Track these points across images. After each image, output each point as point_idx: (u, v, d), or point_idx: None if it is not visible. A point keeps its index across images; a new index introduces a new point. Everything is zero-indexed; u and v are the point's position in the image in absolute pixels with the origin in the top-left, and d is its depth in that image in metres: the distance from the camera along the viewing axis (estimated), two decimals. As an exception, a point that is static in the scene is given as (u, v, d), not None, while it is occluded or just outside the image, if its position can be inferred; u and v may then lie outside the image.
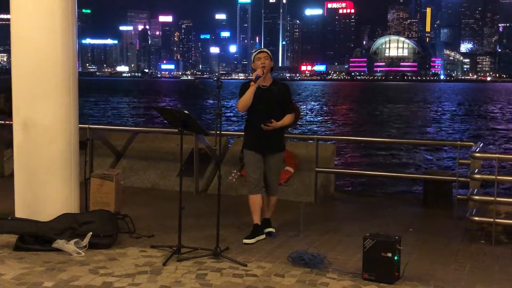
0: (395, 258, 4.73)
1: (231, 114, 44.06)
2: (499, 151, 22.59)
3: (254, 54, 6.03)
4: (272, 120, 5.81)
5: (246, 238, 5.88)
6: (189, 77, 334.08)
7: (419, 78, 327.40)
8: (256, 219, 6.01)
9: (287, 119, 5.97)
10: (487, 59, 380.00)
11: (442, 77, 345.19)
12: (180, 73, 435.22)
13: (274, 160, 6.05)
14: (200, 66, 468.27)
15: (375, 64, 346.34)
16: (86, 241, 5.47)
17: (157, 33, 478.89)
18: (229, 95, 75.14)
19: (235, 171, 6.31)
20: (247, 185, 6.16)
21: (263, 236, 6.01)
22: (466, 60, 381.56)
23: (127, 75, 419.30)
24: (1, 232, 5.61)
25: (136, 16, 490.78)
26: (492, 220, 6.07)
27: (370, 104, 64.78)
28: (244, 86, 5.98)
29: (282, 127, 6.00)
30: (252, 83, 5.83)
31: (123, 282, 4.62)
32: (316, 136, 8.22)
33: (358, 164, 20.07)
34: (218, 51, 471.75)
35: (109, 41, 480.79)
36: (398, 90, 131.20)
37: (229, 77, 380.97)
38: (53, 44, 5.77)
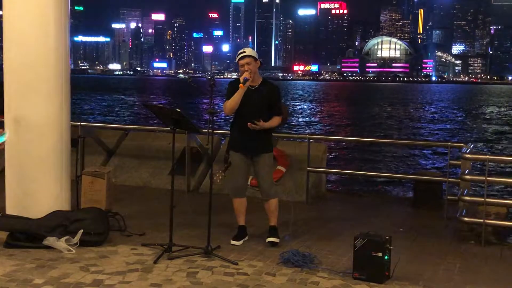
0: (386, 257, 4.75)
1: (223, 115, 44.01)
2: (490, 152, 22.71)
3: (237, 59, 5.80)
4: (260, 119, 5.63)
5: (233, 239, 5.86)
6: (185, 76, 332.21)
7: (410, 79, 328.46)
8: (241, 221, 5.98)
9: (275, 121, 5.78)
10: (478, 61, 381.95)
11: (433, 78, 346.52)
12: (173, 71, 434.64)
13: (262, 161, 5.82)
14: (193, 64, 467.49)
15: (367, 64, 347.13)
16: (77, 238, 5.46)
17: (150, 31, 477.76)
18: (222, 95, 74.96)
19: (220, 171, 6.23)
20: (230, 188, 6.00)
21: (246, 238, 5.97)
22: (458, 62, 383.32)
23: (119, 73, 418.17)
24: (-8, 229, 5.59)
25: (129, 14, 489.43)
26: (482, 220, 6.11)
27: (362, 105, 64.92)
28: (232, 85, 5.78)
29: (270, 129, 5.82)
30: (241, 85, 5.61)
31: (113, 280, 4.62)
32: (307, 135, 8.21)
33: (349, 164, 20.13)
34: (211, 50, 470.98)
35: (101, 39, 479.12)
36: (390, 91, 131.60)
37: (222, 76, 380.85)
38: (45, 41, 5.75)
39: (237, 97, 5.66)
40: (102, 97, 70.55)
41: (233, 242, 5.81)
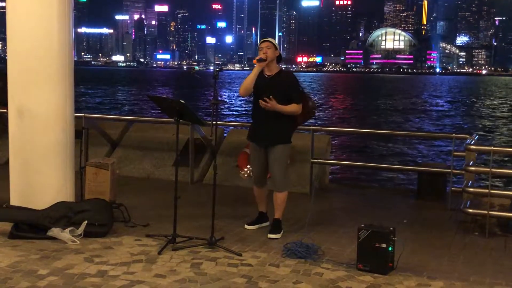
0: (389, 249, 4.75)
1: (227, 107, 44.00)
2: (494, 143, 22.65)
3: (259, 45, 5.79)
4: (271, 97, 5.53)
5: (247, 224, 6.04)
6: (196, 67, 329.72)
7: (414, 70, 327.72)
8: (259, 208, 6.13)
9: (292, 107, 5.66)
10: (482, 52, 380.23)
11: (437, 70, 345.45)
12: (176, 63, 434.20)
13: (273, 152, 5.75)
14: (196, 56, 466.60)
15: (371, 56, 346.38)
16: (81, 229, 5.48)
17: (153, 22, 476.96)
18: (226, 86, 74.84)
19: (249, 166, 6.19)
20: (252, 176, 6.19)
21: (267, 224, 6.04)
22: (462, 53, 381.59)
23: (123, 64, 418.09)
24: (-4, 220, 5.61)
25: (132, 5, 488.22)
26: (486, 212, 6.10)
27: (366, 96, 64.78)
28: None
29: (286, 118, 5.71)
30: (254, 60, 5.60)
31: (118, 271, 4.63)
32: (311, 127, 8.19)
33: (353, 155, 20.11)
34: (214, 42, 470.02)
35: (104, 30, 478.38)
36: (394, 83, 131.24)
37: (225, 68, 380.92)
38: (49, 32, 5.74)
39: (251, 76, 5.65)
40: (105, 89, 70.55)
41: (246, 226, 6.01)
